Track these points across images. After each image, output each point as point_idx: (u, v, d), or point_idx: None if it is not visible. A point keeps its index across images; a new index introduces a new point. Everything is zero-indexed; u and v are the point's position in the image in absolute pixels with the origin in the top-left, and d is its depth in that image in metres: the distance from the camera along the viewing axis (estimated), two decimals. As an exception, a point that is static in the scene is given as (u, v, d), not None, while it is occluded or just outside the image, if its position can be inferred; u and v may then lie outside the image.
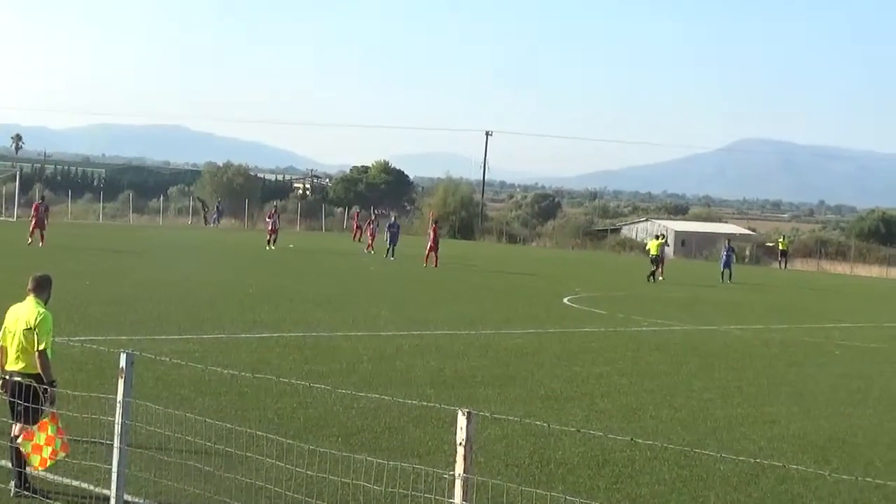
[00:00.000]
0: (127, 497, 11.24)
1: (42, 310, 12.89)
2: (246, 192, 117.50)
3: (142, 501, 12.19)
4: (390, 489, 11.14)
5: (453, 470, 7.45)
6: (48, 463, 12.15)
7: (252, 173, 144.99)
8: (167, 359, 12.49)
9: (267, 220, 75.43)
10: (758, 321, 41.91)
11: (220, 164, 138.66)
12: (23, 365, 12.76)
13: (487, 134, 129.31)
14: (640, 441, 13.99)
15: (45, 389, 12.45)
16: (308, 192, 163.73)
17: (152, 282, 39.80)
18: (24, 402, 12.31)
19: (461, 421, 7.41)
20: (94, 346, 16.41)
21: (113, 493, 8.94)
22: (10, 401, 12.74)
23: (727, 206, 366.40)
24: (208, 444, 13.16)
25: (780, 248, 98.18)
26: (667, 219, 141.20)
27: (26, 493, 12.52)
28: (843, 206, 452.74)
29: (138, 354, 9.80)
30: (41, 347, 12.62)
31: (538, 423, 16.39)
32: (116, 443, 8.99)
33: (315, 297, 39.03)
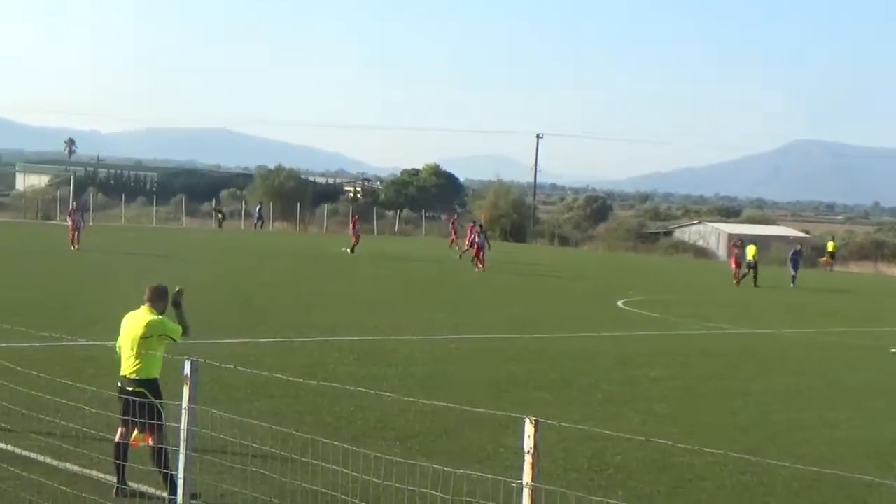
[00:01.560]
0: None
1: (157, 316, 13.25)
2: (297, 195, 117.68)
3: (201, 503, 12.21)
4: (451, 496, 11.07)
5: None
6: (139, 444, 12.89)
7: (303, 176, 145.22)
8: (232, 366, 12.50)
9: (351, 226, 71.08)
10: (813, 324, 41.59)
11: (272, 168, 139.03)
12: (135, 371, 13.06)
13: (538, 137, 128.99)
14: (703, 449, 13.85)
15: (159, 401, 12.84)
16: (359, 195, 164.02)
17: (206, 286, 39.91)
18: (140, 409, 12.56)
19: (528, 429, 7.34)
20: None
21: (179, 498, 8.93)
22: (123, 405, 12.97)
23: (780, 209, 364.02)
24: (266, 448, 13.14)
25: (829, 249, 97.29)
26: (719, 221, 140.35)
27: (124, 487, 12.81)
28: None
29: (202, 362, 9.77)
30: (180, 337, 13.38)
31: (597, 429, 16.26)
32: (182, 448, 8.99)
33: (369, 300, 39.03)
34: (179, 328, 13.42)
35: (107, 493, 12.65)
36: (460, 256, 66.02)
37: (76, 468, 13.66)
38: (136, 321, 13.24)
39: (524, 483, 7.35)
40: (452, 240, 79.83)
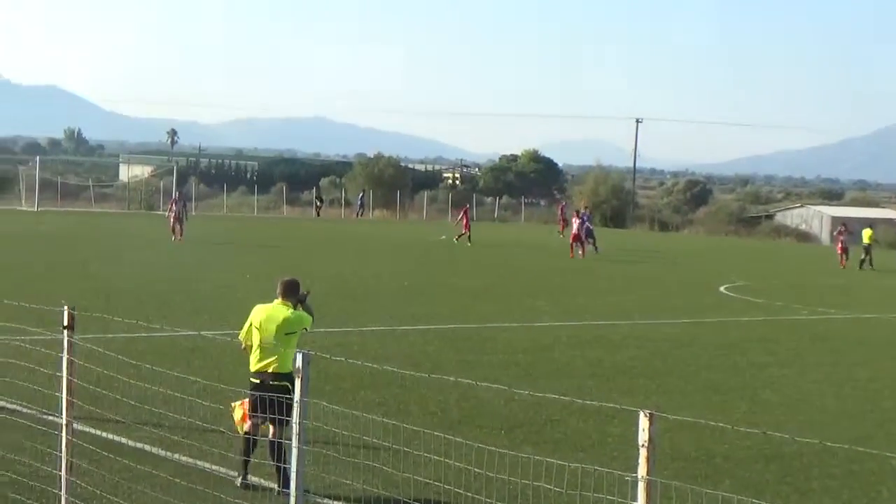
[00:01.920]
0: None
1: (293, 311, 13.46)
2: (396, 182, 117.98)
3: (313, 496, 12.31)
4: (565, 489, 11.03)
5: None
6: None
7: (403, 164, 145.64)
8: (343, 359, 12.55)
9: (462, 217, 68.83)
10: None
11: (371, 156, 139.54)
12: (275, 365, 13.16)
13: (637, 121, 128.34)
14: (811, 438, 13.71)
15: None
16: (458, 182, 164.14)
17: (311, 275, 40.13)
18: (280, 404, 12.33)
19: (643, 422, 7.31)
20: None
21: (293, 491, 9.01)
22: (258, 399, 12.90)
23: (883, 191, 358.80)
24: (373, 439, 13.18)
25: None
26: (821, 204, 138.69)
27: (247, 482, 13.04)
28: None
29: (314, 354, 9.83)
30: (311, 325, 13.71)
31: (702, 421, 16.14)
32: (295, 442, 9.07)
33: (470, 288, 39.08)
34: (312, 319, 13.66)
35: (216, 484, 12.79)
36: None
37: (186, 459, 13.82)
38: (273, 316, 13.36)
39: (639, 476, 7.32)
40: (562, 226, 79.34)
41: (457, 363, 22.42)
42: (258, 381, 13.15)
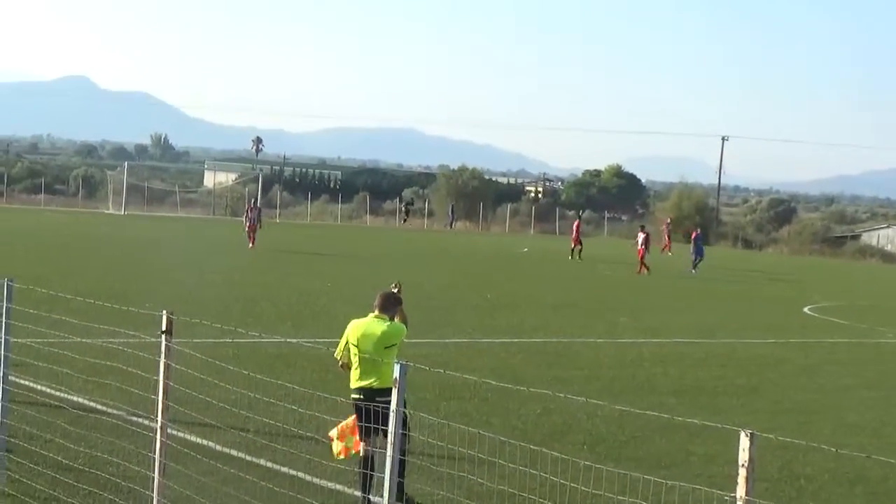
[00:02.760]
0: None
1: (391, 325, 13.00)
2: (479, 194, 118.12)
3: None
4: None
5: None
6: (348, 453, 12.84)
7: (486, 176, 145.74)
8: (441, 370, 12.51)
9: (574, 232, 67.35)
10: None
11: (454, 168, 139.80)
12: (374, 380, 12.72)
13: (724, 139, 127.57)
14: (894, 461, 13.56)
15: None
16: (540, 196, 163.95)
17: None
18: (380, 421, 11.52)
19: (744, 442, 7.35)
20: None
21: (385, 500, 9.07)
22: (363, 416, 12.44)
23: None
24: (456, 448, 13.24)
25: None
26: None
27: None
28: None
29: (411, 366, 9.89)
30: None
31: (787, 438, 16.02)
32: (389, 451, 9.12)
33: (552, 302, 39.06)
34: (406, 327, 13.34)
35: (300, 489, 12.91)
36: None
37: (269, 464, 13.96)
38: (371, 331, 12.88)
39: (738, 497, 7.34)
40: (666, 245, 78.53)
41: (540, 377, 22.42)
42: (360, 397, 12.70)
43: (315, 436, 14.18)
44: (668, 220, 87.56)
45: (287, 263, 49.24)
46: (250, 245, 56.53)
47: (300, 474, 13.60)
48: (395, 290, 13.42)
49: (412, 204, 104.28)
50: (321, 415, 14.27)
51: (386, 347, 12.79)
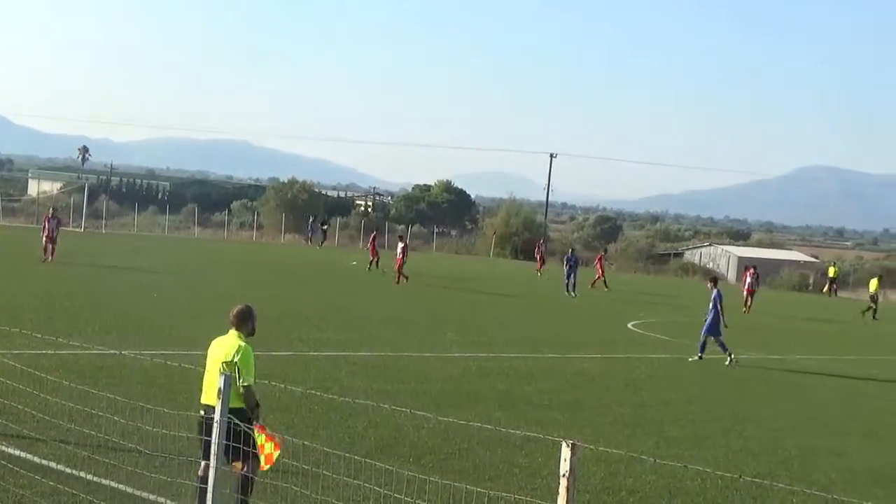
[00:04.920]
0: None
1: (243, 343, 12.55)
2: (309, 208, 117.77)
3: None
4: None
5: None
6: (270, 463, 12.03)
7: (316, 190, 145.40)
8: (266, 381, 12.41)
9: (370, 245, 68.86)
10: (825, 351, 41.57)
11: (285, 181, 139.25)
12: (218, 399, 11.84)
13: (552, 156, 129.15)
14: (714, 473, 13.88)
15: (250, 427, 11.44)
16: (370, 210, 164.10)
17: (219, 298, 39.92)
18: (234, 440, 11.13)
19: (565, 452, 7.37)
20: (163, 361, 16.43)
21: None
22: (204, 439, 11.77)
23: (789, 233, 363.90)
24: (281, 460, 13.14)
25: (830, 275, 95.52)
26: (728, 244, 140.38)
27: None
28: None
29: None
30: (245, 384, 12.23)
31: (609, 450, 16.28)
32: (213, 462, 9.02)
33: (381, 317, 39.01)
34: (255, 372, 12.65)
35: (121, 500, 12.70)
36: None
37: (91, 476, 13.68)
38: (222, 347, 12.60)
39: (559, 507, 7.41)
40: (540, 265, 79.57)
41: (367, 390, 22.39)
42: (203, 414, 12.16)
43: (138, 447, 13.97)
44: (541, 241, 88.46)
45: (111, 274, 48.42)
46: (46, 258, 51.22)
47: (122, 486, 13.35)
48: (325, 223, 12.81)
49: (327, 224, 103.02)
50: (144, 426, 14.08)
51: (228, 363, 12.31)
